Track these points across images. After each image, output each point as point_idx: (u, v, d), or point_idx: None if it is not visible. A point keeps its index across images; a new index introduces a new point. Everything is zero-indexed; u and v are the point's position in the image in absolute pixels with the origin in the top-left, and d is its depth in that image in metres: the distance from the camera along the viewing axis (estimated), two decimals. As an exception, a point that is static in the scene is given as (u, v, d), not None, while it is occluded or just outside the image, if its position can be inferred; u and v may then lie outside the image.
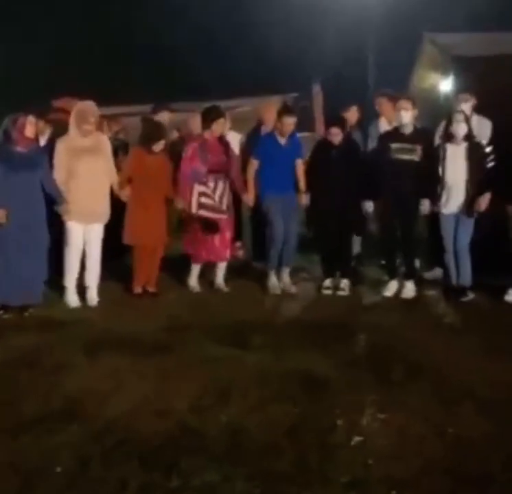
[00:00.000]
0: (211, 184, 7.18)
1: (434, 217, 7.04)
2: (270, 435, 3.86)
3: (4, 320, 6.28)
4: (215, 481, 3.36)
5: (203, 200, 7.15)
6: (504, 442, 3.76)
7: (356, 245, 8.00)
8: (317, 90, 11.79)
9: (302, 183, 7.34)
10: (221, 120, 7.23)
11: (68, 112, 8.99)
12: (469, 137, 6.72)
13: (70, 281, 6.76)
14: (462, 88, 13.18)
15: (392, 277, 7.17)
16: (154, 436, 3.85)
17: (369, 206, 7.08)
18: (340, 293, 7.19)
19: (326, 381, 4.66)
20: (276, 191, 7.23)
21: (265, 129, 7.81)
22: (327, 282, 7.31)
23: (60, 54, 20.37)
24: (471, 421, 4.00)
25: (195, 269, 7.41)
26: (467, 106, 6.95)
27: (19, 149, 6.35)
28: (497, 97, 9.25)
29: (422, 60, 18.47)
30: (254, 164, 7.36)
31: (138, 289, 7.12)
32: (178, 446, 3.73)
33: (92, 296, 6.83)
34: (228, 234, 7.35)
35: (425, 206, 6.86)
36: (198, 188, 7.14)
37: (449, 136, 6.76)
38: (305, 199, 7.30)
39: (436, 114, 8.49)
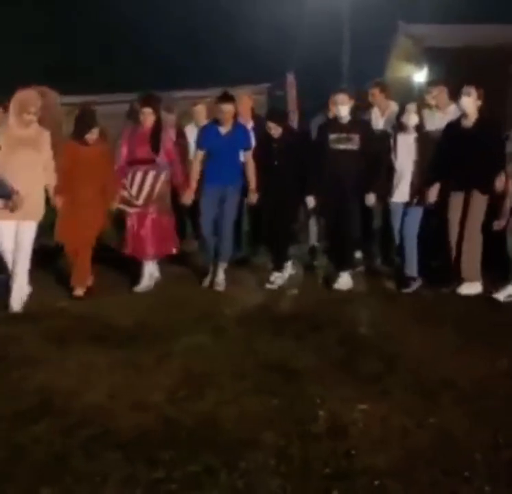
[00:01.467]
0: (129, 176, 6.89)
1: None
2: (250, 426, 3.83)
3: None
4: (198, 472, 3.33)
5: (121, 192, 6.87)
6: (484, 432, 3.76)
7: (313, 237, 8.06)
8: (291, 80, 11.73)
9: (251, 180, 7.08)
10: (146, 109, 6.85)
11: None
12: (419, 128, 6.76)
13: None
14: (435, 78, 13.24)
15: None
16: (132, 429, 3.80)
17: (310, 201, 7.08)
18: (269, 286, 7.07)
19: (303, 372, 4.63)
20: (216, 184, 6.97)
21: (241, 120, 7.70)
22: (273, 276, 7.22)
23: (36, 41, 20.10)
24: (452, 412, 4.00)
25: (147, 266, 7.05)
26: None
27: None
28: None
29: (396, 51, 18.51)
30: (199, 155, 7.12)
31: (79, 291, 6.72)
32: (157, 438, 3.69)
33: (17, 297, 6.28)
34: (147, 230, 6.92)
35: (369, 200, 6.92)
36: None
37: (400, 126, 6.82)
38: (253, 198, 7.10)
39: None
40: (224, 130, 7.07)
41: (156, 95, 7.56)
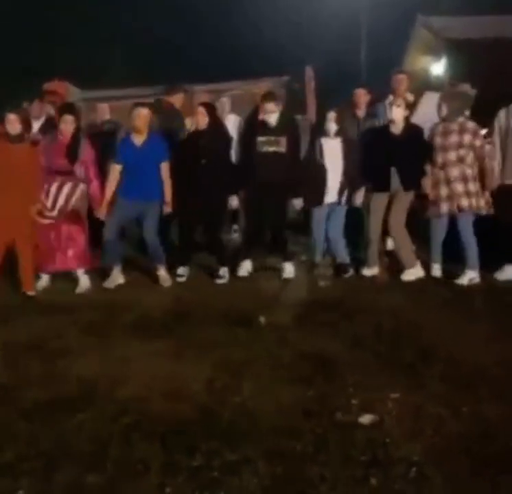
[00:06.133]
0: (45, 186, 6.71)
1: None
2: (286, 416, 3.87)
3: (9, 304, 6.30)
4: (237, 461, 3.38)
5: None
6: (519, 420, 3.79)
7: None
8: (309, 73, 11.73)
9: (167, 189, 6.96)
10: (68, 118, 6.74)
11: (60, 95, 9.05)
12: (341, 133, 7.22)
13: None
14: (454, 70, 13.23)
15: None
16: (171, 418, 3.85)
17: (233, 200, 7.32)
18: (219, 281, 7.17)
19: (337, 362, 4.68)
20: (134, 196, 6.81)
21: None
22: (180, 270, 7.30)
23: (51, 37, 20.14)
24: (486, 401, 4.02)
25: (44, 278, 6.93)
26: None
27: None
28: (489, 80, 9.32)
29: (415, 43, 18.45)
30: (115, 169, 6.91)
31: (31, 291, 6.63)
32: (194, 427, 3.74)
33: None
34: (64, 240, 6.79)
35: (297, 205, 7.38)
36: None
37: (323, 132, 7.23)
38: (167, 208, 6.97)
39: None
40: (139, 141, 6.90)
41: (179, 87, 7.61)
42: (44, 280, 6.94)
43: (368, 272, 7.30)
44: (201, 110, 6.98)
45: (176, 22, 19.34)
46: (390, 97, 7.72)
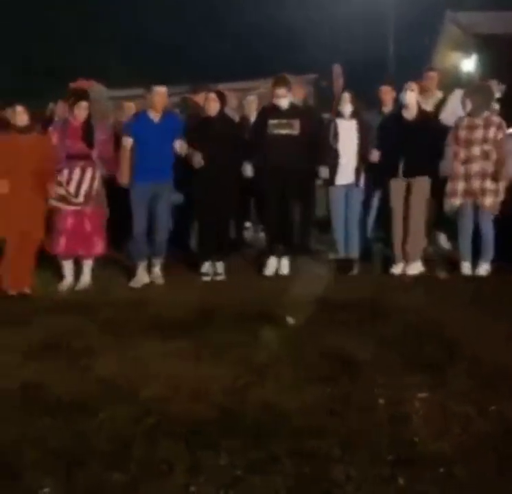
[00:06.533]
0: (66, 172, 6.74)
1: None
2: (311, 415, 3.82)
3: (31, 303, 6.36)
4: (262, 459, 3.34)
5: (57, 189, 6.69)
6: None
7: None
8: (338, 70, 11.65)
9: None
10: (82, 103, 6.79)
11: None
12: (356, 114, 7.30)
13: None
14: (484, 66, 13.09)
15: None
16: (193, 418, 3.82)
17: (248, 169, 7.14)
18: (219, 278, 7.16)
19: (362, 361, 4.62)
20: (148, 178, 6.84)
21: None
22: (206, 266, 7.24)
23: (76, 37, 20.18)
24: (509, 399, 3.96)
25: (67, 265, 6.98)
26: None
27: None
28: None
29: (444, 39, 18.29)
30: (127, 142, 6.93)
31: (11, 290, 6.56)
32: (218, 426, 3.70)
33: None
34: (89, 226, 6.87)
35: (323, 172, 7.28)
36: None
37: (338, 114, 7.40)
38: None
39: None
40: (157, 117, 6.96)
41: (204, 86, 7.61)
42: (68, 280, 6.98)
43: (395, 269, 7.21)
44: (212, 96, 7.02)
45: (193, 20, 19.27)
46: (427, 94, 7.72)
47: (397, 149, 6.98)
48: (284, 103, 7.13)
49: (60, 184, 6.67)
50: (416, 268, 7.15)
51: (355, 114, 7.29)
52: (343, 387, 4.20)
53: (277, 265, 7.28)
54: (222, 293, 6.66)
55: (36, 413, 3.91)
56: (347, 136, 7.23)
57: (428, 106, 7.68)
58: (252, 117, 8.19)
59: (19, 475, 3.23)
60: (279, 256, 7.29)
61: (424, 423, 3.71)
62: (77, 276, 7.04)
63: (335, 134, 7.25)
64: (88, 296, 6.61)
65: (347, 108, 7.25)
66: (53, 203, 6.69)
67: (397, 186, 7.12)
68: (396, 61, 19.09)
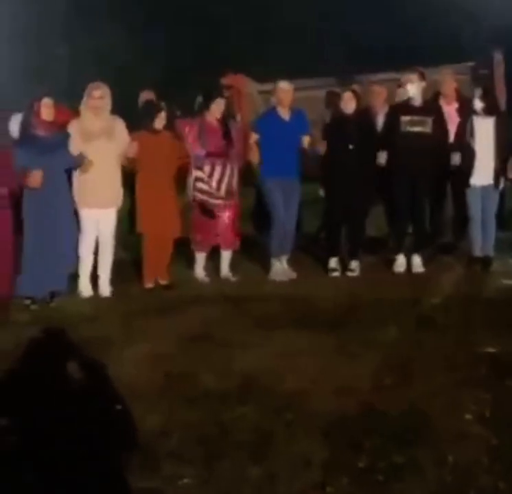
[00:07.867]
0: (207, 169, 6.79)
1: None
2: (460, 420, 3.65)
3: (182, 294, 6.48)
4: (403, 464, 3.21)
5: (199, 185, 6.76)
6: None
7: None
8: (499, 58, 11.15)
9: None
10: (219, 100, 6.85)
11: (235, 89, 9.06)
12: (489, 110, 6.95)
13: (84, 270, 6.54)
14: None
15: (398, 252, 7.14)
16: (336, 414, 3.75)
17: (383, 157, 6.91)
18: (351, 274, 6.97)
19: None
20: (278, 174, 6.86)
21: (444, 102, 7.45)
22: (333, 262, 7.06)
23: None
24: None
25: (200, 258, 7.07)
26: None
27: (40, 133, 6.20)
28: None
29: None
30: (253, 137, 7.02)
31: (149, 284, 6.75)
32: (360, 425, 3.61)
33: (104, 286, 6.61)
34: (230, 220, 6.96)
35: (454, 159, 6.98)
36: (194, 173, 6.79)
37: (474, 111, 7.01)
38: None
39: None
40: (286, 115, 6.97)
41: (351, 78, 7.52)
42: (200, 273, 7.10)
43: None
44: (349, 94, 6.97)
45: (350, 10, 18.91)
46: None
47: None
48: (417, 98, 6.99)
49: (202, 180, 6.82)
50: None
51: (492, 111, 6.97)
52: (495, 393, 3.97)
53: (408, 263, 7.09)
54: (374, 287, 6.51)
55: (180, 403, 3.97)
56: (483, 134, 6.92)
57: None
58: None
59: (160, 464, 3.28)
60: (408, 253, 7.11)
61: None
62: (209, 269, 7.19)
63: (472, 132, 6.97)
64: (232, 289, 6.67)
65: (477, 104, 6.94)
66: (198, 196, 6.83)
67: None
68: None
